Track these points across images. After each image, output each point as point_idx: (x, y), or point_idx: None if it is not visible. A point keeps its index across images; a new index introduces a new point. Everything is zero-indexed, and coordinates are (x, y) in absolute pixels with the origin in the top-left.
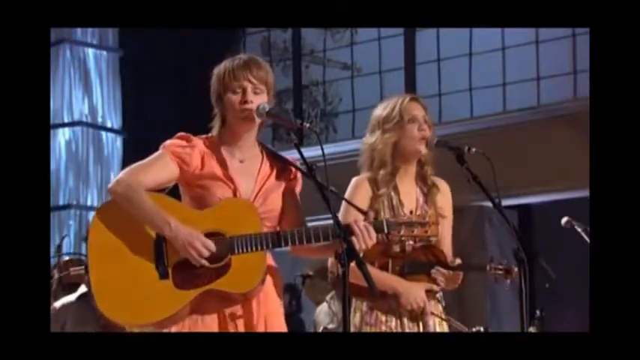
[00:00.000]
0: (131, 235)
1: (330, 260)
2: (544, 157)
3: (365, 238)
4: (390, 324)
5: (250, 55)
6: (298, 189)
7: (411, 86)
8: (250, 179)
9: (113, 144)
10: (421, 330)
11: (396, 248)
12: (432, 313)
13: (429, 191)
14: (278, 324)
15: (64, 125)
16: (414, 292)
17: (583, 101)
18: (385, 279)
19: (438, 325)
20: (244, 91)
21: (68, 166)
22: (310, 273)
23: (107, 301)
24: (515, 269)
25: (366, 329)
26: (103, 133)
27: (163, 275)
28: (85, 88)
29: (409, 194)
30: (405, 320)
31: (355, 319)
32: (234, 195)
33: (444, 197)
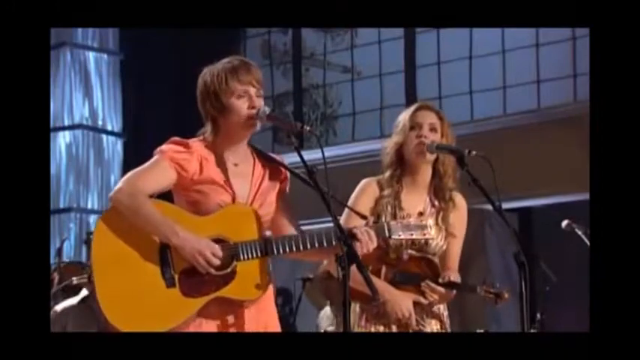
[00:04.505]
0: (135, 243)
1: (323, 267)
2: (544, 159)
3: (367, 242)
4: (379, 329)
5: (241, 58)
6: (287, 188)
7: (411, 89)
8: (245, 182)
9: (113, 147)
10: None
11: (393, 255)
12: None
13: (444, 206)
14: (276, 330)
15: (64, 128)
16: (399, 301)
17: (583, 104)
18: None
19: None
20: (250, 96)
21: (68, 169)
22: (310, 276)
23: (115, 311)
24: (506, 295)
25: (359, 331)
26: (104, 136)
27: (170, 284)
28: (85, 91)
29: (413, 203)
30: (394, 328)
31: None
32: (233, 200)
33: (459, 215)
